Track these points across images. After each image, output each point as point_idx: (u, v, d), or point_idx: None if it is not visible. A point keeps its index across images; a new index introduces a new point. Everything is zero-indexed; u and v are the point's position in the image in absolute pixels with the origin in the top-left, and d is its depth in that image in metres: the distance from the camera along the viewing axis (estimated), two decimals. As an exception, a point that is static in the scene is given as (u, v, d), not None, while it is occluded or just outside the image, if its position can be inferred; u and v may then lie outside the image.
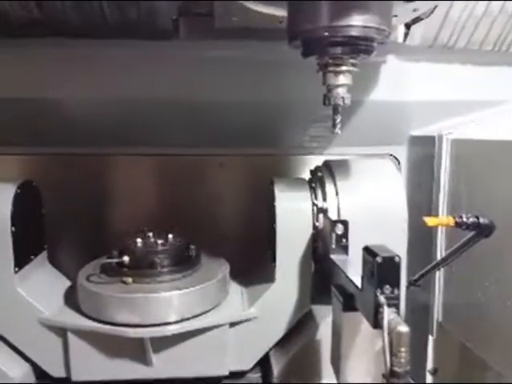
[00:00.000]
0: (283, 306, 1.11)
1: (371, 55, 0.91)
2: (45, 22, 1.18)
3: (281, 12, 0.97)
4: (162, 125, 1.39)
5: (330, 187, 1.10)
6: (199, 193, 1.50)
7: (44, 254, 1.23)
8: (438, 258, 1.34)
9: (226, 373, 1.11)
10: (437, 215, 1.35)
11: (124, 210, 1.48)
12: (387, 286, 0.71)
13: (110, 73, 1.26)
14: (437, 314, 1.34)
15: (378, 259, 0.71)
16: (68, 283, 1.24)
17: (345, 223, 0.98)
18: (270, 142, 1.47)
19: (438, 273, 1.35)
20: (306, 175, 1.31)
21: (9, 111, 1.25)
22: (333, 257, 0.98)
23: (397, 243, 1.05)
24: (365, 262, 0.76)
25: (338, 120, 0.96)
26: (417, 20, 1.35)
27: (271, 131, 1.44)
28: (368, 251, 0.75)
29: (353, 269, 0.92)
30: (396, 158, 1.51)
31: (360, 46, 0.86)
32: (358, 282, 0.80)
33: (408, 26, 1.41)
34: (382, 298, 0.71)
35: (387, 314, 0.70)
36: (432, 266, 1.17)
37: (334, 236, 0.98)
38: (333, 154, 1.49)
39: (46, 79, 1.23)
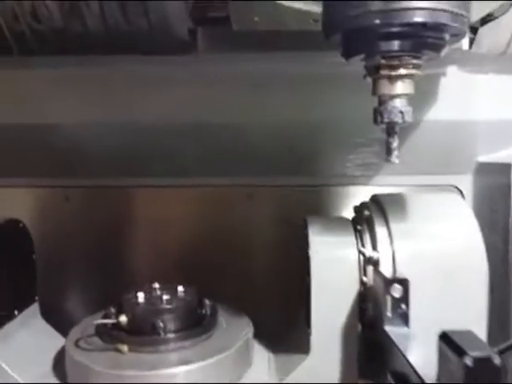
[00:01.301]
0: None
1: (441, 53, 0.67)
2: (42, 37, 1.02)
3: (315, 7, 0.75)
4: (182, 152, 1.19)
5: (381, 231, 0.85)
6: (223, 230, 1.28)
7: (35, 306, 1.03)
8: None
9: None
10: (516, 262, 1.08)
11: (137, 252, 1.28)
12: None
13: (118, 94, 1.09)
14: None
15: (468, 361, 0.46)
16: (62, 343, 1.03)
17: (404, 283, 0.73)
18: (306, 171, 1.24)
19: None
20: (349, 210, 1.07)
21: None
22: (388, 329, 0.72)
23: (475, 307, 0.79)
24: (442, 358, 0.51)
25: (395, 144, 0.72)
26: (486, 21, 1.11)
27: (307, 158, 1.21)
28: (447, 342, 0.50)
29: (418, 351, 0.66)
30: (459, 190, 1.25)
31: (427, 39, 0.62)
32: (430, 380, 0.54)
33: (474, 30, 1.17)
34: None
35: None
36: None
37: (389, 300, 0.73)
38: (382, 184, 1.24)
39: (41, 103, 1.07)
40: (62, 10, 0.95)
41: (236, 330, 0.94)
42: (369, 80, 0.73)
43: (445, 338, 0.50)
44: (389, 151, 0.71)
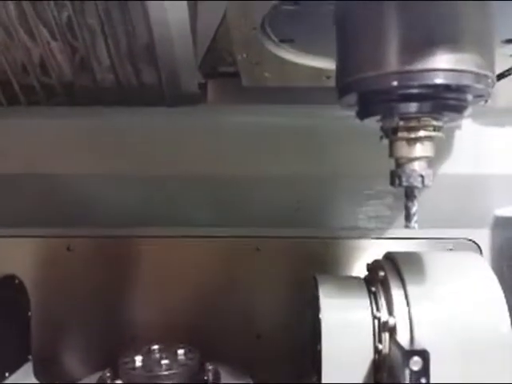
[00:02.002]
0: None
1: (464, 114, 0.63)
2: (51, 90, 1.01)
3: (328, 64, 0.73)
4: (187, 202, 1.16)
5: (397, 294, 0.79)
6: (229, 284, 1.23)
7: (28, 366, 0.97)
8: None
9: None
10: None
11: (139, 307, 1.22)
12: None
13: (125, 146, 1.07)
14: None
15: None
16: (57, 407, 0.97)
17: (424, 355, 0.67)
18: (316, 223, 1.20)
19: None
20: (361, 264, 1.01)
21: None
22: (408, 406, 0.66)
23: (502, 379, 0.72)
24: None
25: (414, 209, 0.67)
26: (503, 76, 1.08)
27: (316, 209, 1.17)
28: None
29: None
30: (477, 244, 1.19)
31: (448, 101, 0.58)
32: None
33: (491, 83, 1.14)
34: None
35: None
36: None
37: (407, 373, 0.67)
38: (395, 237, 1.20)
39: (49, 153, 1.05)
40: (71, 63, 0.94)
41: (241, 396, 0.87)
42: (385, 142, 0.70)
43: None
44: (408, 217, 0.67)
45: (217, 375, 0.89)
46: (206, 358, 0.95)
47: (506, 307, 0.78)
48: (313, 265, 1.11)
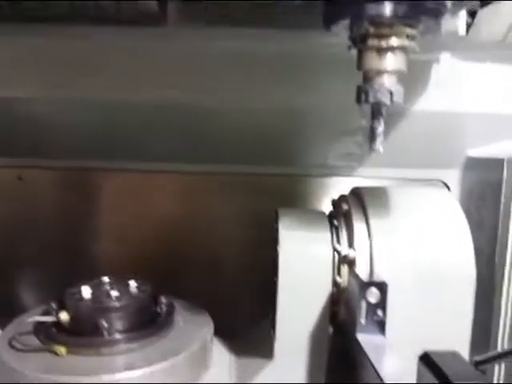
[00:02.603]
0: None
1: (441, 20, 0.57)
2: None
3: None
4: (148, 134, 1.08)
5: (359, 226, 0.75)
6: (190, 221, 1.18)
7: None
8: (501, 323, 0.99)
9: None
10: (504, 263, 1.00)
11: (97, 241, 1.17)
12: None
13: (76, 67, 0.96)
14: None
15: (453, 393, 0.36)
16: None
17: (382, 287, 0.63)
18: (284, 160, 1.15)
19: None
20: (328, 201, 0.97)
21: None
22: (360, 338, 0.63)
23: (460, 316, 0.70)
24: (422, 382, 0.42)
25: (380, 129, 0.61)
26: (486, 3, 1.01)
27: (285, 145, 1.11)
28: (428, 364, 0.41)
29: (393, 364, 0.57)
30: (446, 186, 1.16)
31: (425, 3, 0.52)
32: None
33: (473, 14, 1.07)
34: None
35: None
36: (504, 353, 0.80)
37: (364, 305, 0.64)
38: (364, 176, 1.16)
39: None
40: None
41: (194, 329, 0.84)
42: (354, 52, 0.63)
43: (426, 359, 0.41)
44: (373, 137, 0.61)
45: (171, 308, 0.86)
46: (165, 293, 0.91)
47: (471, 244, 0.75)
48: (279, 202, 1.06)
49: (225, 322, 0.95)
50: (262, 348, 0.80)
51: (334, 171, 1.17)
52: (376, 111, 0.60)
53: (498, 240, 1.01)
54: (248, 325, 0.94)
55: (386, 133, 1.03)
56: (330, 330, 0.81)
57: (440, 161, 1.16)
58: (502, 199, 1.01)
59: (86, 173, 1.17)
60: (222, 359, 0.87)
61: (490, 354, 0.77)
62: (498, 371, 0.95)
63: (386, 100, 0.58)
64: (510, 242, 0.99)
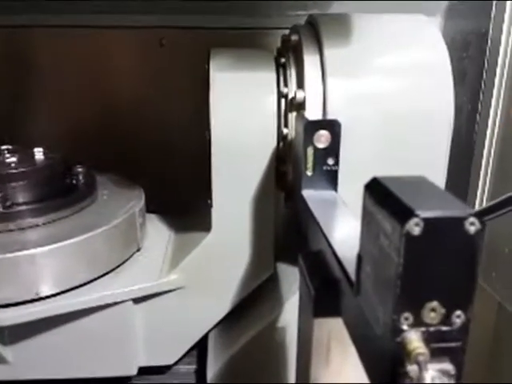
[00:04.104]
0: (225, 269, 0.65)
1: None
2: None
3: None
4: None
5: (311, 62, 0.58)
6: (124, 85, 1.00)
7: None
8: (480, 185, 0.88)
9: (134, 372, 0.68)
10: (486, 121, 0.86)
11: (30, 110, 0.99)
12: (434, 304, 0.24)
13: None
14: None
15: (413, 225, 0.23)
16: None
17: (334, 127, 0.49)
18: (236, 8, 0.94)
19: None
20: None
21: None
22: (307, 194, 0.50)
23: (431, 167, 0.57)
24: (371, 221, 0.28)
25: None
26: None
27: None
28: (379, 194, 0.27)
29: (348, 224, 0.44)
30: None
31: None
32: (351, 269, 0.32)
33: None
34: (413, 336, 0.24)
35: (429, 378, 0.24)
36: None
37: (310, 151, 0.50)
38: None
39: None
40: None
41: (120, 202, 0.70)
42: None
43: (375, 187, 0.27)
44: None
45: (89, 180, 0.71)
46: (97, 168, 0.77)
47: (452, 91, 0.60)
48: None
49: (173, 202, 0.82)
50: (203, 217, 0.67)
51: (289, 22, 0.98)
52: None
53: (481, 95, 0.87)
54: (190, 198, 0.81)
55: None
56: (281, 195, 0.69)
57: (418, 5, 0.97)
58: (489, 45, 0.84)
59: (16, 31, 0.96)
60: (159, 236, 0.75)
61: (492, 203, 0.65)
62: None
63: None
64: (493, 98, 0.84)
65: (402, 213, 0.23)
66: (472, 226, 0.22)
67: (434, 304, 0.23)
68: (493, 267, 0.77)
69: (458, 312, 0.23)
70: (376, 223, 0.26)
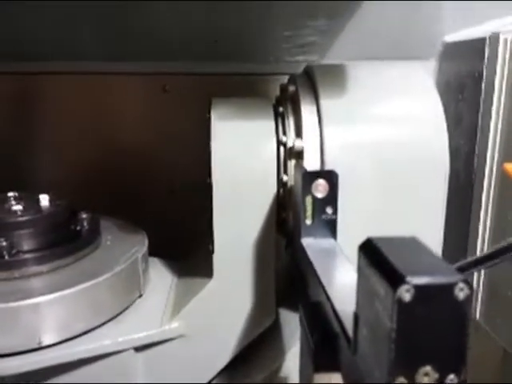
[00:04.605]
0: (226, 317, 0.65)
1: None
2: None
3: None
4: (75, 27, 0.89)
5: (308, 111, 0.61)
6: (127, 130, 1.02)
7: None
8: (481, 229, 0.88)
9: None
10: (483, 163, 0.87)
11: (30, 150, 1.02)
12: (427, 369, 0.24)
13: None
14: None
15: (405, 292, 0.24)
16: None
17: (331, 178, 0.50)
18: (234, 55, 0.97)
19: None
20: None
21: None
22: (306, 242, 0.51)
23: (429, 214, 0.58)
24: (364, 283, 0.29)
25: None
26: None
27: (235, 36, 0.94)
28: (372, 256, 0.28)
29: (343, 273, 0.45)
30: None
31: None
32: (350, 324, 0.33)
33: None
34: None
35: None
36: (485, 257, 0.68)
37: (309, 201, 0.51)
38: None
39: None
40: None
41: (123, 248, 0.71)
42: None
43: (369, 249, 0.28)
44: None
45: (93, 226, 0.72)
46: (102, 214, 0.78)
47: (446, 138, 0.62)
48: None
49: (175, 245, 0.83)
50: (204, 263, 0.68)
51: (291, 67, 1.01)
52: None
53: (479, 136, 0.88)
54: (192, 242, 0.82)
55: (350, 16, 0.88)
56: (282, 241, 0.70)
57: (414, 50, 1.00)
58: (483, 88, 0.87)
59: (22, 77, 0.99)
60: (162, 281, 0.76)
61: (468, 260, 0.66)
62: (477, 281, 0.86)
63: None
64: (490, 139, 0.86)
65: (394, 278, 0.23)
66: (461, 292, 0.23)
67: (427, 368, 0.24)
68: (496, 311, 0.76)
69: (451, 376, 0.24)
70: (370, 285, 0.27)
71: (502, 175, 0.81)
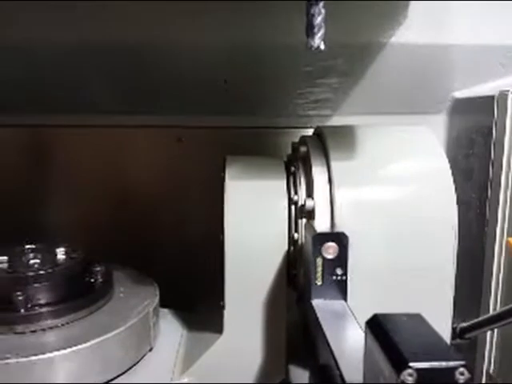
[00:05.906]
0: (236, 373, 0.65)
1: None
2: None
3: None
4: (88, 82, 0.94)
5: (319, 172, 0.63)
6: (141, 181, 1.05)
7: None
8: (493, 284, 0.87)
9: None
10: (495, 218, 0.88)
11: (44, 201, 1.05)
12: None
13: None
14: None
15: (406, 377, 0.24)
16: None
17: (341, 240, 0.51)
18: (246, 109, 1.01)
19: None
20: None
21: None
22: (316, 303, 0.52)
23: (438, 275, 0.58)
24: (370, 360, 0.30)
25: (319, 19, 0.46)
26: None
27: (247, 92, 0.98)
28: (378, 335, 0.28)
29: (352, 337, 0.45)
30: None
31: None
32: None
33: None
34: None
35: None
36: (490, 318, 0.67)
37: (319, 262, 0.52)
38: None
39: None
40: None
41: (135, 301, 0.72)
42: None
43: (375, 327, 0.29)
44: (310, 28, 0.46)
45: (107, 278, 0.74)
46: (114, 263, 0.80)
47: (454, 197, 0.63)
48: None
49: (186, 297, 0.84)
50: (214, 320, 0.68)
51: (303, 121, 1.04)
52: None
53: (490, 190, 0.89)
54: (202, 295, 0.82)
55: (361, 72, 0.91)
56: (293, 296, 0.70)
57: (424, 105, 1.03)
58: (493, 143, 0.88)
59: (33, 130, 1.04)
60: (172, 334, 0.76)
61: (478, 320, 0.65)
62: (490, 339, 0.85)
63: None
64: (501, 193, 0.86)
65: (398, 362, 0.24)
66: (461, 376, 0.24)
67: None
68: (509, 367, 0.75)
69: None
70: (376, 360, 0.27)
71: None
